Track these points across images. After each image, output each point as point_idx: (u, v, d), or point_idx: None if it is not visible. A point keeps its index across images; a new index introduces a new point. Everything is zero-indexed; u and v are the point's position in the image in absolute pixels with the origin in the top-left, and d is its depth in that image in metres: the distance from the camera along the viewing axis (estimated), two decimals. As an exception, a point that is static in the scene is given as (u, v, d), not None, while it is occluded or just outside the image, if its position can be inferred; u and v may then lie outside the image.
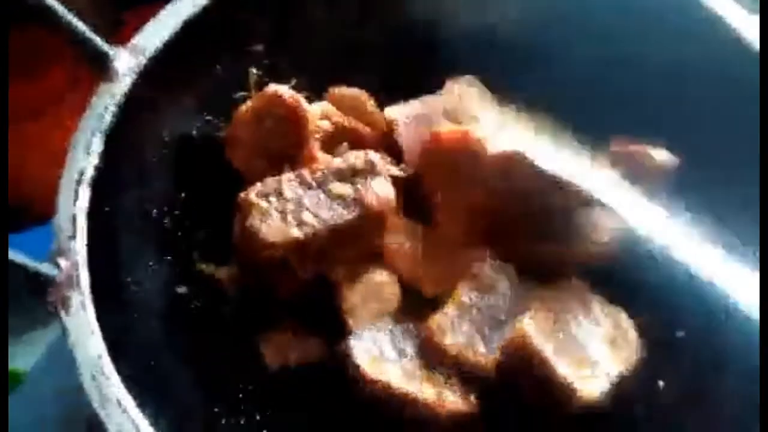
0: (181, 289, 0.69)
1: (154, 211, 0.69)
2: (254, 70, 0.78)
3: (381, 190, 0.66)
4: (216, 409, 0.63)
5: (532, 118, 0.77)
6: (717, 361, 0.61)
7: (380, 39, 0.82)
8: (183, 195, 0.73)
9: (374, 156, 0.66)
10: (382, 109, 0.76)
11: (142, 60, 0.68)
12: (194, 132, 0.75)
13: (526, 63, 0.79)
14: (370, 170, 0.66)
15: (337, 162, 0.66)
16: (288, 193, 0.64)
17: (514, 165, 0.66)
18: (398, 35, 0.81)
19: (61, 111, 1.07)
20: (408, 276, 0.68)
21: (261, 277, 0.67)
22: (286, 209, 0.64)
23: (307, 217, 0.64)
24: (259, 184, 0.65)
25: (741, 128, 0.66)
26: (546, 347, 0.56)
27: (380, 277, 0.68)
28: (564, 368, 0.55)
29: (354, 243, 0.67)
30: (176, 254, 0.70)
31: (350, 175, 0.65)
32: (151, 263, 0.67)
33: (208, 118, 0.76)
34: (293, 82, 0.72)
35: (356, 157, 0.66)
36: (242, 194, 0.65)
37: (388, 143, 0.74)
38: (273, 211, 0.63)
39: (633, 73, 0.72)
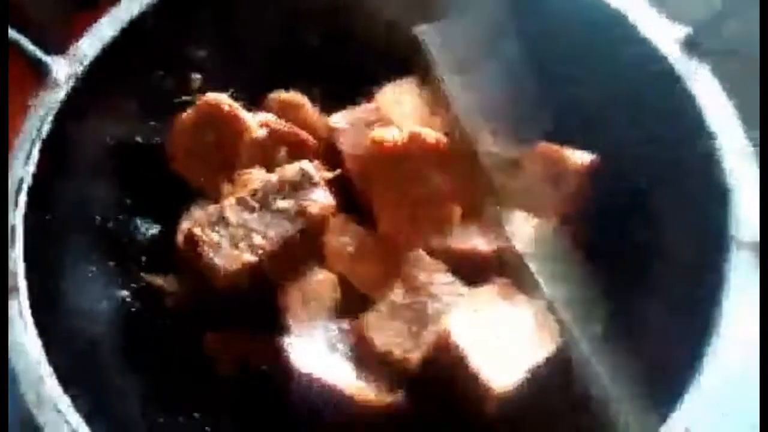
0: (123, 294, 0.71)
1: (97, 217, 0.71)
2: (196, 75, 0.80)
3: (321, 200, 0.68)
4: (156, 412, 0.66)
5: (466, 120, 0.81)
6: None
7: (322, 44, 0.84)
8: (128, 201, 0.75)
9: (308, 167, 0.69)
10: (322, 114, 0.79)
11: (80, 68, 0.69)
12: (138, 138, 0.77)
13: (463, 66, 0.83)
14: (307, 182, 0.68)
15: (273, 178, 0.68)
16: (233, 219, 0.66)
17: (457, 159, 0.69)
18: (338, 40, 0.83)
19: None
20: (346, 275, 0.71)
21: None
22: (236, 236, 0.66)
23: (257, 239, 0.66)
24: (202, 214, 0.67)
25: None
26: (465, 344, 0.59)
27: (319, 276, 0.71)
28: (480, 363, 0.59)
29: (300, 249, 0.69)
30: (119, 260, 0.72)
31: (290, 189, 0.68)
32: (93, 269, 0.69)
33: (151, 123, 0.78)
34: (230, 91, 0.74)
35: (291, 171, 0.68)
36: (186, 225, 0.67)
37: (327, 147, 0.76)
38: (224, 242, 0.65)
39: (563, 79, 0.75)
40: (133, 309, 0.71)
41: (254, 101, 0.78)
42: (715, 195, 0.62)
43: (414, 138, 0.68)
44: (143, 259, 0.74)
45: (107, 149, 0.74)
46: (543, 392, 0.62)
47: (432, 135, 0.70)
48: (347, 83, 0.81)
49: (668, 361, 0.59)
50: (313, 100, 0.80)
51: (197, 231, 0.65)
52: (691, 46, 0.67)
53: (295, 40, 0.83)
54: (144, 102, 0.77)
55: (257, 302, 0.70)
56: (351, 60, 0.83)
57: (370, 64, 0.83)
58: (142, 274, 0.73)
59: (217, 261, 0.64)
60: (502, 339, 0.62)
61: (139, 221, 0.75)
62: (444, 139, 0.70)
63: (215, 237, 0.65)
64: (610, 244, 0.72)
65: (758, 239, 0.57)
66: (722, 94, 0.65)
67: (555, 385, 0.63)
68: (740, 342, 0.54)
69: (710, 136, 0.63)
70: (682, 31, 0.68)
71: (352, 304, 0.71)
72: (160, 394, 0.67)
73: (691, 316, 0.59)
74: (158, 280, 0.72)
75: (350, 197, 0.75)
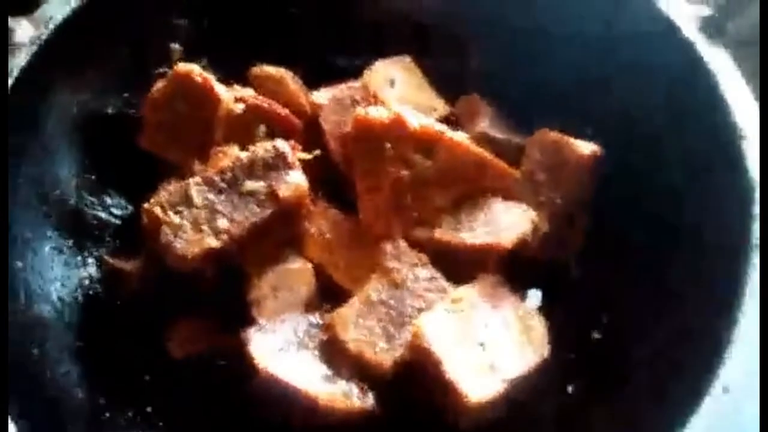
0: (83, 275, 0.66)
1: (56, 192, 0.66)
2: (176, 46, 0.75)
3: (295, 183, 0.62)
4: (103, 404, 0.61)
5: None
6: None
7: (313, 16, 0.78)
8: (93, 177, 0.70)
9: (282, 145, 0.63)
10: (309, 91, 0.73)
11: (45, 31, 0.64)
12: (109, 110, 0.72)
13: (463, 48, 0.76)
14: (281, 162, 0.62)
15: (245, 156, 0.62)
16: (198, 200, 0.61)
17: (441, 144, 0.63)
18: (330, 12, 0.78)
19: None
20: (323, 264, 0.66)
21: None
22: (199, 219, 0.60)
23: (222, 223, 0.60)
24: (164, 193, 0.62)
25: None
26: (441, 348, 0.53)
27: (294, 265, 0.65)
28: (456, 371, 0.53)
29: (270, 235, 0.64)
30: (81, 240, 0.67)
31: (262, 169, 0.62)
32: (50, 247, 0.64)
33: (125, 95, 0.73)
34: (206, 62, 0.68)
35: (265, 150, 0.62)
36: (147, 205, 0.61)
37: (309, 126, 0.71)
38: (185, 224, 0.60)
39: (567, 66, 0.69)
40: (90, 292, 0.66)
41: (238, 76, 0.73)
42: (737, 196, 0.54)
43: (399, 119, 0.62)
44: (108, 240, 0.70)
45: (74, 121, 0.68)
46: (526, 406, 0.56)
47: (420, 117, 0.63)
48: (337, 58, 0.76)
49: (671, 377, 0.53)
50: (299, 75, 0.74)
51: (158, 210, 0.60)
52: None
53: (283, 10, 0.77)
54: (117, 72, 0.71)
55: (224, 291, 0.65)
56: (342, 34, 0.77)
57: (363, 39, 0.77)
58: (105, 256, 0.68)
59: (177, 244, 0.59)
60: (484, 344, 0.56)
61: (107, 200, 0.70)
62: (432, 123, 0.63)
63: (177, 218, 0.60)
64: (615, 240, 0.65)
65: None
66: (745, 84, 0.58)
67: (540, 400, 0.57)
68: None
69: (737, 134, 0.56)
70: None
71: (330, 296, 0.65)
72: (109, 386, 0.62)
73: (700, 331, 0.52)
74: (121, 263, 0.67)
75: (335, 182, 0.70)
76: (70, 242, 0.66)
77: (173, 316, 0.66)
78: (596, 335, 0.62)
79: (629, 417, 0.55)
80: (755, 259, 0.50)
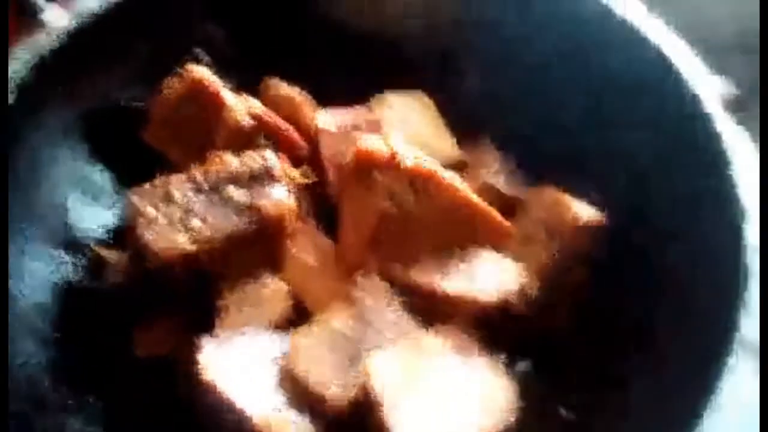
0: (67, 261, 0.66)
1: (51, 179, 0.66)
2: (201, 51, 0.76)
3: (279, 198, 0.61)
4: (64, 389, 0.60)
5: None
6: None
7: (343, 39, 0.78)
8: (96, 167, 0.71)
9: (273, 160, 0.62)
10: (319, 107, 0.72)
11: (78, 17, 0.66)
12: (122, 102, 0.73)
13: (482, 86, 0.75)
14: (268, 176, 0.62)
15: (234, 163, 0.62)
16: (178, 197, 0.60)
17: (434, 184, 0.61)
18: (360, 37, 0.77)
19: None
20: (297, 287, 0.64)
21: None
22: (175, 217, 0.59)
23: (196, 225, 0.59)
24: (147, 185, 0.61)
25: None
26: (385, 390, 0.50)
27: (269, 284, 0.63)
28: (397, 422, 0.49)
29: (249, 250, 0.62)
30: (73, 229, 0.67)
31: (247, 179, 0.61)
32: (40, 232, 0.64)
33: (139, 89, 0.74)
34: (223, 69, 0.69)
35: (254, 160, 0.62)
36: (130, 194, 0.61)
37: (313, 149, 0.70)
38: (161, 219, 0.59)
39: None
40: (72, 283, 0.65)
41: (253, 86, 0.73)
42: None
43: (395, 153, 0.60)
44: (100, 231, 0.70)
45: (86, 110, 0.70)
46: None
47: (418, 155, 0.62)
48: (360, 86, 0.75)
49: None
50: (317, 98, 0.73)
51: (136, 202, 0.59)
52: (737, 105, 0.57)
53: (315, 29, 0.77)
54: (138, 69, 0.73)
55: (198, 295, 0.64)
56: (368, 63, 0.76)
57: (385, 69, 0.76)
58: (94, 246, 0.68)
59: (150, 238, 0.58)
60: (439, 399, 0.52)
61: (105, 191, 0.71)
62: (430, 162, 0.62)
63: (153, 212, 0.59)
64: (607, 302, 0.61)
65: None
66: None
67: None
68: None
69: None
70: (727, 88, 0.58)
71: (302, 322, 0.63)
72: (73, 375, 0.61)
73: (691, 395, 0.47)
74: (105, 252, 0.67)
75: (329, 210, 0.68)
76: (62, 230, 0.66)
77: (149, 314, 0.65)
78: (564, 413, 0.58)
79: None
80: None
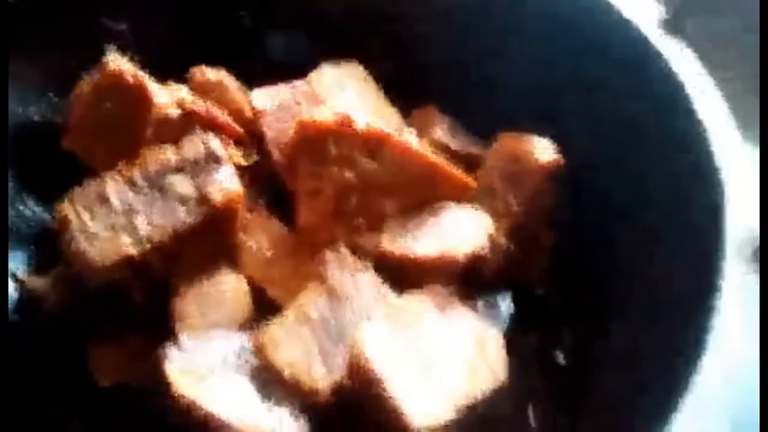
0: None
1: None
2: (112, 47, 0.70)
3: (226, 183, 0.57)
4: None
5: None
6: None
7: (259, 19, 0.74)
8: (10, 183, 0.64)
9: (215, 143, 0.57)
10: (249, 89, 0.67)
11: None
12: (33, 115, 0.66)
13: (419, 50, 0.72)
14: (212, 160, 0.57)
15: (172, 154, 0.57)
16: (114, 199, 0.55)
17: (389, 145, 0.58)
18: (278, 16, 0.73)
19: None
20: (258, 278, 0.60)
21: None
22: (116, 222, 0.54)
23: (142, 227, 0.54)
24: (77, 190, 0.55)
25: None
26: (383, 367, 0.47)
27: (226, 278, 0.59)
28: (400, 394, 0.46)
29: (200, 244, 0.57)
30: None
31: (189, 167, 0.56)
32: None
33: (52, 97, 0.67)
34: (139, 59, 0.63)
35: (194, 147, 0.57)
36: (61, 205, 0.55)
37: (250, 131, 0.65)
38: (100, 227, 0.53)
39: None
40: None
41: (178, 75, 0.67)
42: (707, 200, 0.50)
43: (346, 119, 0.57)
44: (24, 253, 0.63)
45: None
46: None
47: (368, 117, 0.58)
48: (286, 64, 0.71)
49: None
50: (245, 80, 0.69)
51: (68, 211, 0.53)
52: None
53: (228, 13, 0.73)
54: (45, 74, 0.66)
55: (154, 308, 0.58)
56: (292, 40, 0.73)
57: (315, 45, 0.73)
58: (19, 275, 0.61)
59: (90, 250, 0.52)
60: (433, 364, 0.49)
61: (22, 208, 0.64)
62: (381, 124, 0.59)
63: (90, 221, 0.53)
64: (581, 254, 0.60)
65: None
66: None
67: (497, 427, 0.50)
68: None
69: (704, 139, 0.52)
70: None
71: (267, 316, 0.59)
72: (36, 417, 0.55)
73: (672, 342, 0.46)
74: (35, 282, 0.60)
75: (276, 193, 0.64)
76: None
77: (99, 338, 0.59)
78: (560, 360, 0.57)
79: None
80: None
